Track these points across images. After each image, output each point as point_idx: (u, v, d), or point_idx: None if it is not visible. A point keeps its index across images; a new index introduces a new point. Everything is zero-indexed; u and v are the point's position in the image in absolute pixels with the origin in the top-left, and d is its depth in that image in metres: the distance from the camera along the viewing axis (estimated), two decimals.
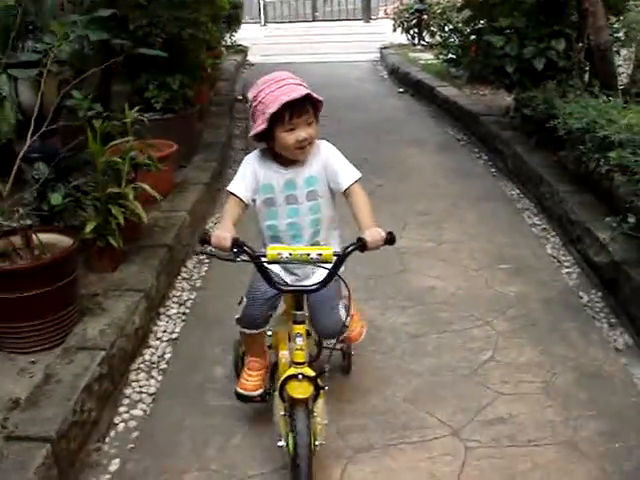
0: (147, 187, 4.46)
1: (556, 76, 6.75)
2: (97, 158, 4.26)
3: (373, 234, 2.63)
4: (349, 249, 2.60)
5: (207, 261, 5.10)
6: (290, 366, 2.79)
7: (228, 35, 13.06)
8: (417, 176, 7.01)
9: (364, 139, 8.23)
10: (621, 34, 7.36)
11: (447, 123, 9.21)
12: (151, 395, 3.61)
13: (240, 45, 14.50)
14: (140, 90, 6.57)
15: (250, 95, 2.78)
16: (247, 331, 3.07)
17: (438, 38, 12.79)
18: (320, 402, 2.83)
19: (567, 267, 4.89)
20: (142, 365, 3.85)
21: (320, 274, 2.75)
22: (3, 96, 3.88)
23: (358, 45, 16.70)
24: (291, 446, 2.72)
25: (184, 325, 4.28)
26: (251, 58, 14.86)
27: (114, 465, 3.11)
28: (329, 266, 2.62)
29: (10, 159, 3.82)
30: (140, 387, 3.66)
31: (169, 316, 4.36)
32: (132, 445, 3.25)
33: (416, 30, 14.79)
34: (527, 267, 4.88)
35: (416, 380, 3.66)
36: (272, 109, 2.63)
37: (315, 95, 2.72)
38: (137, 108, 4.92)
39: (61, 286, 3.55)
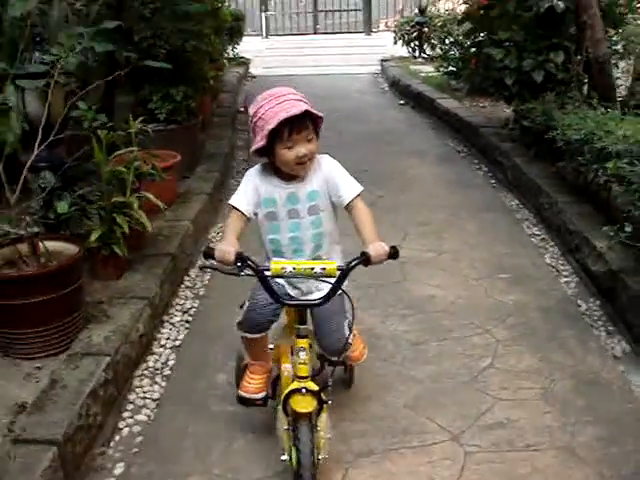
0: (151, 196, 4.52)
1: (555, 88, 6.83)
2: (102, 168, 4.33)
3: (377, 248, 2.66)
4: (353, 263, 2.63)
5: (210, 270, 5.15)
6: (293, 380, 2.79)
7: (230, 47, 13.16)
8: (418, 187, 7.07)
9: (365, 150, 8.30)
10: (619, 47, 7.44)
11: (447, 135, 9.28)
12: (155, 401, 3.66)
13: (242, 57, 14.59)
14: (144, 101, 6.65)
15: (250, 111, 2.80)
16: (248, 335, 3.07)
17: (439, 51, 12.88)
18: (324, 416, 2.86)
19: (565, 276, 4.94)
20: (146, 371, 3.90)
21: (325, 290, 2.75)
22: (9, 107, 3.94)
23: (359, 57, 16.82)
24: (294, 460, 2.73)
25: (187, 333, 4.33)
26: (253, 70, 14.96)
27: (119, 469, 3.16)
28: (333, 280, 2.64)
29: (15, 168, 3.88)
30: (144, 393, 3.71)
31: (172, 324, 4.41)
32: (136, 449, 3.29)
33: (417, 43, 14.89)
34: (526, 276, 4.93)
35: (416, 387, 3.70)
36: (271, 125, 2.65)
37: (315, 111, 2.72)
38: (141, 119, 5.00)
39: (67, 293, 3.60)
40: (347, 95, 12.30)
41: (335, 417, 3.13)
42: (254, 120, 2.76)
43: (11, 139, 3.83)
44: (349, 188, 2.87)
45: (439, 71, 11.34)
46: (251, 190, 2.89)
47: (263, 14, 22.57)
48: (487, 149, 7.83)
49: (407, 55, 15.19)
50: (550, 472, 3.07)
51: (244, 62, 14.76)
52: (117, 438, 3.38)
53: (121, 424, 3.47)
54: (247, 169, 3.02)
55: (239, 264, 2.62)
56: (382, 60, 15.20)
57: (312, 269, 2.60)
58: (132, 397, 3.67)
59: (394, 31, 15.92)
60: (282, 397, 2.80)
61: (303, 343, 2.77)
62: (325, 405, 2.84)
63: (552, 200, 5.68)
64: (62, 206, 4.06)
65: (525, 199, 6.43)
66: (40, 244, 3.70)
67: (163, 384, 3.80)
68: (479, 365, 3.87)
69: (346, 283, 2.73)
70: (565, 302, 4.57)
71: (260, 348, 3.19)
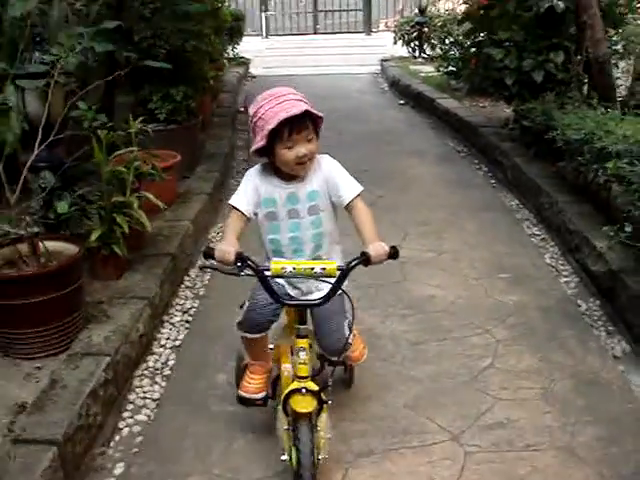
0: (151, 196, 4.53)
1: (555, 88, 6.84)
2: (102, 168, 4.33)
3: (377, 248, 2.66)
4: (353, 263, 2.63)
5: (210, 270, 5.15)
6: (293, 380, 2.79)
7: (230, 47, 13.16)
8: (417, 187, 7.08)
9: (365, 150, 8.30)
10: (619, 47, 7.44)
11: (447, 135, 9.29)
12: (155, 401, 3.66)
13: (242, 57, 14.60)
14: (144, 101, 6.65)
15: (250, 111, 2.79)
16: (248, 335, 3.07)
17: (439, 51, 12.89)
18: (324, 416, 2.85)
19: (565, 276, 4.94)
20: (146, 371, 3.90)
21: (325, 290, 2.74)
22: (9, 107, 3.94)
23: (359, 57, 16.83)
24: (294, 460, 2.73)
25: (187, 333, 4.33)
26: (253, 70, 14.97)
27: (119, 469, 3.16)
28: (333, 280, 2.64)
29: (15, 168, 3.88)
30: (144, 393, 3.71)
31: (172, 324, 4.41)
32: (136, 449, 3.30)
33: (417, 43, 14.90)
34: (526, 276, 4.93)
35: (416, 386, 3.71)
36: (271, 125, 2.65)
37: (314, 111, 2.72)
38: (141, 119, 5.00)
39: (67, 293, 3.61)
40: (347, 95, 12.30)
41: (335, 417, 3.13)
42: (254, 120, 2.76)
43: (11, 139, 3.83)
44: (349, 188, 2.86)
45: (439, 71, 11.35)
46: (251, 190, 2.89)
47: (263, 14, 22.59)
48: (487, 149, 7.83)
49: (407, 55, 15.20)
50: (550, 472, 3.07)
51: (244, 62, 14.76)
52: (117, 438, 3.38)
53: (121, 424, 3.47)
54: (247, 169, 3.02)
55: (239, 264, 2.62)
56: (382, 60, 15.21)
57: (312, 269, 2.60)
58: (132, 397, 3.67)
59: (394, 31, 15.94)
60: (282, 397, 2.79)
61: (303, 343, 2.76)
62: (325, 405, 2.83)
63: (552, 200, 5.68)
64: (62, 206, 4.06)
65: (525, 199, 6.44)
66: (40, 244, 3.70)
67: (163, 384, 3.80)
68: (479, 365, 3.87)
69: (346, 283, 2.72)
70: (565, 302, 4.57)
71: (260, 348, 3.19)
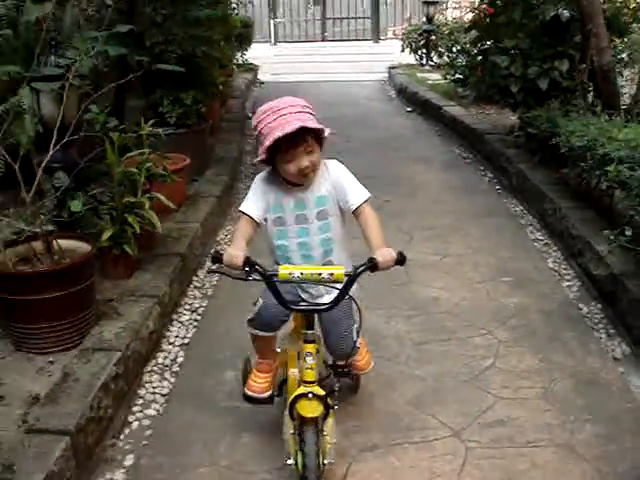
0: (162, 197, 4.62)
1: (560, 96, 6.92)
2: (114, 169, 4.44)
3: (384, 254, 2.68)
4: (360, 269, 2.65)
5: (217, 266, 5.23)
6: (300, 385, 2.81)
7: (239, 54, 13.26)
8: (424, 192, 7.16)
9: (372, 156, 8.38)
10: (624, 55, 7.51)
11: (453, 141, 9.37)
12: (164, 396, 3.75)
13: (251, 64, 14.68)
14: (154, 105, 6.75)
15: (253, 122, 2.83)
16: (260, 333, 3.09)
17: (446, 59, 12.94)
18: (330, 421, 2.88)
19: (568, 280, 5.02)
20: (155, 367, 3.99)
21: (334, 293, 2.77)
22: (23, 109, 4.03)
23: (367, 65, 16.91)
24: (300, 465, 2.76)
25: (196, 331, 4.42)
26: (261, 77, 15.05)
27: (129, 460, 3.25)
28: (340, 286, 2.67)
29: (28, 169, 3.97)
30: (153, 388, 3.80)
31: (181, 322, 4.50)
32: (146, 442, 3.39)
33: (424, 51, 14.96)
34: (529, 280, 5.01)
35: (419, 385, 3.79)
36: (268, 142, 2.69)
37: (312, 125, 2.72)
38: (152, 122, 5.10)
39: (79, 289, 3.70)
40: (355, 102, 12.40)
41: (339, 413, 3.18)
42: (256, 132, 2.81)
43: (25, 141, 3.91)
44: (357, 194, 2.89)
45: (446, 79, 11.41)
46: (260, 196, 2.92)
47: (272, 21, 22.71)
48: (492, 155, 7.91)
49: (414, 63, 15.26)
50: (549, 468, 3.15)
51: (253, 68, 14.85)
52: (127, 431, 3.47)
53: (131, 418, 3.56)
54: (255, 173, 3.10)
55: (247, 269, 2.66)
56: (390, 67, 15.28)
57: (319, 274, 2.62)
58: (142, 392, 3.77)
59: (402, 39, 16.00)
60: (289, 402, 2.81)
61: (310, 348, 2.78)
62: (331, 410, 2.86)
63: (556, 206, 5.76)
64: (75, 205, 4.16)
65: (529, 205, 6.51)
66: (54, 242, 3.80)
67: (172, 380, 3.89)
68: (481, 365, 3.95)
69: (356, 287, 2.77)
70: (567, 305, 4.65)
71: (268, 347, 3.22)
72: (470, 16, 9.37)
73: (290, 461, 2.85)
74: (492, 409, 3.55)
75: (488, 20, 7.94)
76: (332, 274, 2.62)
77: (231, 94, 11.05)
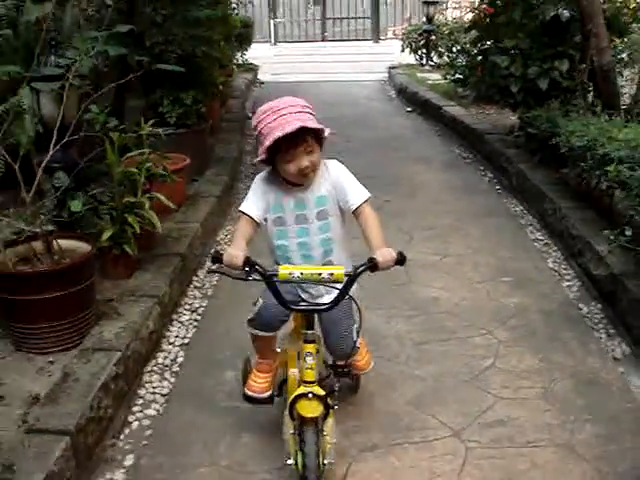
0: (162, 197, 4.63)
1: (560, 96, 6.92)
2: (114, 169, 4.44)
3: (384, 254, 2.68)
4: (360, 269, 2.65)
5: (217, 266, 5.24)
6: (300, 385, 2.81)
7: (239, 54, 13.26)
8: (424, 193, 7.16)
9: (372, 156, 8.38)
10: (624, 55, 7.52)
11: (453, 141, 9.37)
12: (164, 396, 3.75)
13: (251, 64, 14.69)
14: (154, 105, 6.75)
15: (253, 122, 2.83)
16: (260, 333, 3.09)
17: (446, 59, 12.95)
18: (330, 421, 2.88)
19: (568, 280, 5.02)
20: (155, 367, 3.99)
21: (334, 293, 2.77)
22: (22, 109, 4.03)
23: (367, 65, 16.92)
24: (300, 465, 2.75)
25: (196, 331, 4.43)
26: (261, 77, 15.05)
27: (129, 460, 3.25)
28: (341, 286, 2.66)
29: (28, 169, 3.97)
30: (153, 388, 3.81)
31: (181, 322, 4.51)
32: (146, 442, 3.39)
33: (424, 51, 14.97)
34: (529, 280, 5.01)
35: (419, 385, 3.79)
36: (267, 142, 2.69)
37: (312, 125, 2.72)
38: (152, 122, 5.10)
39: (79, 289, 3.70)
40: (355, 102, 12.40)
41: (339, 413, 3.17)
42: (256, 132, 2.81)
43: (24, 141, 3.92)
44: (357, 194, 2.89)
45: (446, 79, 11.41)
46: (260, 196, 2.92)
47: (272, 21, 22.72)
48: (492, 155, 7.91)
49: (414, 63, 15.27)
50: (549, 468, 3.15)
51: (253, 68, 14.86)
52: (127, 431, 3.47)
53: (131, 418, 3.56)
54: (255, 173, 3.10)
55: (247, 269, 2.65)
56: (390, 67, 15.29)
57: (319, 274, 2.62)
58: (142, 392, 3.77)
59: (402, 39, 16.01)
60: (289, 402, 2.81)
61: (310, 348, 2.78)
62: (331, 410, 2.86)
63: (556, 206, 5.76)
64: (75, 205, 4.16)
65: (529, 205, 6.51)
66: (54, 242, 3.80)
67: (172, 380, 3.89)
68: (481, 365, 3.96)
69: (356, 287, 2.77)
70: (567, 305, 4.65)
71: (268, 347, 3.22)
72: (470, 16, 9.38)
73: (290, 461, 2.85)
74: (492, 409, 3.56)
75: (488, 20, 7.94)
76: (332, 274, 2.62)
77: (231, 94, 11.05)
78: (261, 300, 3.03)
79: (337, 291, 2.71)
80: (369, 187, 2.94)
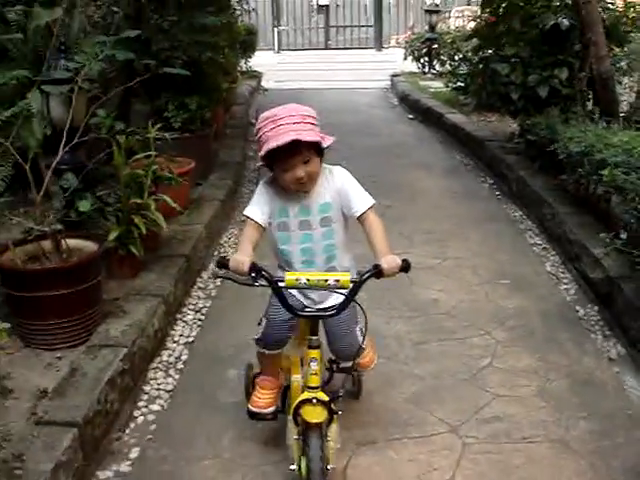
0: (168, 198, 4.72)
1: (559, 103, 7.01)
2: (121, 171, 4.53)
3: (389, 261, 2.68)
4: (365, 276, 2.66)
5: (223, 271, 5.32)
6: (304, 390, 2.83)
7: (243, 61, 13.37)
8: (425, 198, 7.25)
9: (375, 162, 8.45)
10: (623, 64, 7.61)
11: (455, 148, 9.46)
12: (168, 392, 3.83)
13: (254, 71, 14.80)
14: (159, 110, 6.85)
15: (256, 127, 2.82)
16: (267, 352, 3.11)
17: (448, 67, 13.07)
18: (334, 427, 2.88)
19: (565, 283, 5.10)
20: (160, 365, 4.08)
21: (337, 297, 2.81)
22: (31, 113, 4.12)
23: (369, 73, 17.04)
24: (304, 470, 2.75)
25: (200, 330, 4.51)
26: (265, 84, 15.17)
27: (134, 453, 3.33)
28: (346, 292, 2.68)
29: (36, 171, 4.05)
30: (158, 384, 3.89)
31: (185, 321, 4.59)
32: (151, 436, 3.47)
33: (426, 59, 15.09)
34: (527, 283, 5.10)
35: (418, 383, 3.87)
36: (262, 152, 2.71)
37: (307, 138, 2.68)
38: (158, 126, 5.20)
39: (87, 287, 3.81)
40: (357, 109, 12.51)
41: (340, 407, 3.24)
42: (257, 139, 2.82)
43: (33, 144, 4.01)
44: (361, 200, 2.88)
45: (448, 87, 11.53)
46: (265, 201, 2.91)
47: (276, 29, 22.89)
48: (493, 162, 8.00)
49: (417, 71, 15.39)
50: (544, 463, 3.23)
51: (256, 75, 14.97)
52: (132, 425, 3.55)
53: (136, 413, 3.64)
54: (258, 178, 3.16)
55: (253, 274, 2.66)
56: (392, 75, 15.41)
57: (326, 281, 2.63)
58: (147, 388, 3.85)
59: (404, 47, 16.14)
60: (292, 407, 2.83)
61: (315, 354, 2.79)
62: (335, 416, 2.86)
63: (554, 211, 5.84)
64: (84, 205, 4.26)
65: (528, 210, 6.60)
66: (62, 241, 3.89)
67: (177, 377, 3.98)
68: (479, 364, 4.04)
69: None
70: (564, 307, 4.73)
71: (275, 364, 3.23)
72: (472, 25, 9.49)
73: (294, 466, 2.87)
74: (489, 406, 3.64)
75: (489, 28, 8.03)
76: (338, 280, 2.63)
77: (235, 100, 11.16)
78: (265, 320, 3.07)
79: (339, 295, 2.75)
80: (371, 193, 2.96)
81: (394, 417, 3.57)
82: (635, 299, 4.14)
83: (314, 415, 2.75)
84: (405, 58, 15.69)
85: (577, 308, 4.70)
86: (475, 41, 8.70)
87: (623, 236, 4.31)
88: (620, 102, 7.17)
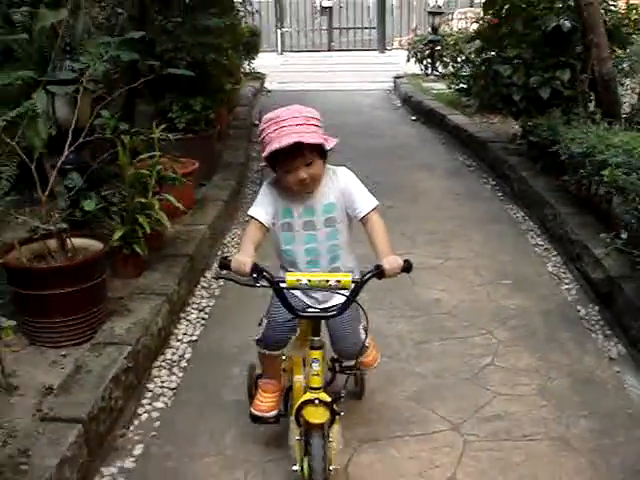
0: (172, 198, 4.76)
1: (561, 104, 7.04)
2: (126, 171, 4.57)
3: (391, 262, 2.68)
4: (367, 276, 2.66)
5: (225, 272, 5.35)
6: (306, 391, 2.84)
7: (246, 62, 13.40)
8: (427, 199, 7.28)
9: (378, 163, 8.48)
10: (625, 65, 7.64)
11: (457, 150, 9.49)
12: (172, 390, 3.87)
13: (258, 72, 14.81)
14: (163, 111, 6.89)
15: (259, 128, 2.82)
16: (267, 352, 3.12)
17: (450, 69, 13.10)
18: (336, 427, 2.88)
19: (567, 283, 5.13)
20: (164, 363, 4.11)
21: (341, 296, 2.81)
22: (36, 112, 4.15)
23: (373, 74, 17.07)
24: (306, 471, 2.75)
25: (203, 329, 4.55)
26: (268, 85, 15.19)
27: (138, 450, 3.37)
28: (347, 292, 2.68)
29: (41, 171, 4.08)
30: (162, 382, 3.92)
31: (189, 320, 4.63)
32: (154, 433, 3.50)
33: (429, 60, 15.11)
34: (528, 283, 5.12)
35: (420, 381, 3.90)
36: (265, 153, 2.72)
37: (310, 140, 2.68)
38: (162, 127, 5.24)
39: (91, 285, 3.85)
40: (360, 110, 12.54)
41: (342, 407, 3.27)
42: (260, 140, 2.82)
43: (38, 144, 4.05)
44: (365, 202, 2.89)
45: (450, 88, 11.55)
46: (269, 201, 2.91)
47: (279, 31, 22.93)
48: (495, 163, 8.03)
49: (419, 72, 15.41)
50: (545, 460, 3.26)
51: (259, 77, 14.99)
52: (136, 422, 3.59)
53: (140, 410, 3.68)
54: (261, 179, 3.17)
55: (255, 275, 2.66)
56: (395, 77, 15.42)
57: (327, 282, 2.63)
58: (151, 386, 3.88)
59: (407, 49, 16.16)
60: (295, 408, 2.83)
61: (317, 355, 2.79)
62: (337, 416, 2.85)
63: (556, 211, 5.87)
64: (89, 204, 4.29)
65: (530, 211, 6.63)
66: (68, 240, 3.93)
67: (180, 375, 4.01)
68: (480, 363, 4.07)
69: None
70: (565, 307, 4.76)
71: (276, 366, 3.24)
72: (475, 26, 9.52)
73: (296, 467, 2.88)
74: (490, 404, 3.67)
75: (491, 30, 8.07)
76: (339, 281, 2.63)
77: (238, 102, 11.19)
78: (265, 320, 3.09)
79: (342, 295, 2.76)
80: (374, 193, 2.97)
81: (396, 415, 3.60)
82: (635, 299, 4.17)
83: (316, 416, 2.76)
84: (408, 60, 15.71)
85: (578, 308, 4.73)
86: (477, 43, 8.73)
87: (624, 236, 4.34)
88: (622, 104, 7.19)
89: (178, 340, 4.38)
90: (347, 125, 10.25)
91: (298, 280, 2.66)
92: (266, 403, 3.26)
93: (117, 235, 4.38)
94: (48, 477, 2.75)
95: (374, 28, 23.26)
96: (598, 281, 4.71)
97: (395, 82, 15.08)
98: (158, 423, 3.58)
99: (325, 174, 2.90)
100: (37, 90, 4.26)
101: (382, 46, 22.64)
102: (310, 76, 16.95)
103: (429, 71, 15.18)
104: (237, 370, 3.96)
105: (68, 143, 4.04)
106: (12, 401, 3.32)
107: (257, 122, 10.38)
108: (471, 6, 20.06)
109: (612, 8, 7.69)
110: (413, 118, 11.81)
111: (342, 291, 2.71)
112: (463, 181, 8.02)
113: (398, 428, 3.48)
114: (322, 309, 2.98)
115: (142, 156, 4.81)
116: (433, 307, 4.77)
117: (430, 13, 15.62)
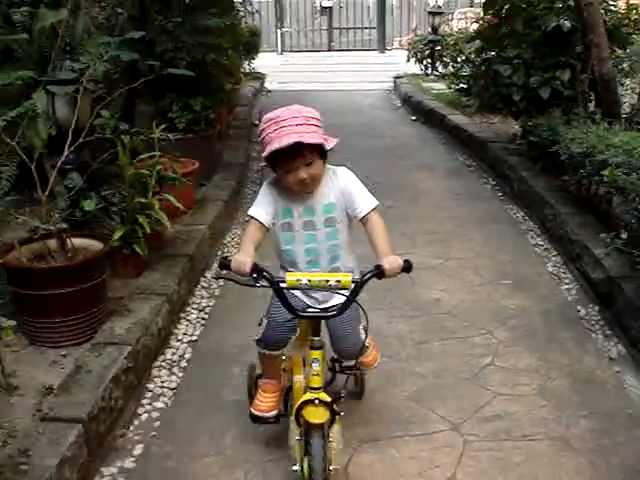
0: (172, 198, 4.76)
1: (561, 104, 7.04)
2: (126, 171, 4.57)
3: (391, 262, 2.68)
4: (367, 276, 2.66)
5: (225, 272, 5.35)
6: (306, 391, 2.84)
7: (246, 62, 13.40)
8: (427, 199, 7.28)
9: (378, 163, 8.48)
10: (625, 65, 7.64)
11: (457, 150, 9.49)
12: (172, 390, 3.87)
13: (258, 72, 14.81)
14: (163, 111, 6.89)
15: (259, 128, 2.82)
16: (267, 352, 3.12)
17: (450, 69, 13.10)
18: (336, 427, 2.87)
19: (567, 283, 5.13)
20: (164, 363, 4.11)
21: (340, 297, 2.82)
22: (36, 112, 4.15)
23: (373, 74, 17.08)
24: (306, 471, 2.75)
25: (203, 329, 4.55)
26: (268, 85, 15.19)
27: (138, 449, 3.37)
28: (347, 292, 2.68)
29: (41, 171, 4.08)
30: (162, 382, 3.92)
31: (189, 320, 4.63)
32: (154, 433, 3.50)
33: (429, 60, 15.11)
34: (528, 283, 5.12)
35: (420, 381, 3.90)
36: (265, 153, 2.71)
37: (310, 140, 2.68)
38: (162, 127, 5.24)
39: (91, 285, 3.85)
40: (359, 110, 12.54)
41: (341, 407, 3.27)
42: (260, 140, 2.81)
43: (38, 144, 4.05)
44: (365, 202, 2.89)
45: (450, 88, 11.55)
46: (269, 201, 2.91)
47: (279, 31, 22.93)
48: (495, 163, 8.03)
49: (419, 73, 15.40)
50: (545, 460, 3.26)
51: (259, 77, 14.99)
52: (136, 422, 3.58)
53: (140, 410, 3.68)
54: (261, 179, 3.17)
55: (254, 275, 2.65)
56: (395, 77, 15.42)
57: (327, 282, 2.63)
58: (151, 386, 3.88)
59: (407, 49, 16.16)
60: (295, 408, 2.83)
61: (317, 355, 2.79)
62: (337, 416, 2.84)
63: (556, 211, 5.87)
64: (89, 204, 4.29)
65: (530, 211, 6.63)
66: (68, 240, 3.93)
67: (180, 375, 4.01)
68: (480, 363, 4.07)
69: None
70: (565, 307, 4.76)
71: (275, 366, 3.24)
72: (475, 26, 9.52)
73: (296, 467, 2.87)
74: (490, 404, 3.67)
75: (491, 30, 8.07)
76: (339, 281, 2.63)
77: (238, 102, 11.19)
78: (265, 320, 3.09)
79: (342, 295, 2.76)
80: (374, 193, 2.97)
81: (396, 415, 3.60)
82: (635, 299, 4.17)
83: (316, 416, 2.76)
84: (408, 60, 15.71)
85: (578, 308, 4.73)
86: (477, 43, 8.73)
87: (624, 236, 4.34)
88: (622, 104, 7.19)
89: (178, 340, 4.38)
90: (347, 125, 10.25)
91: (298, 280, 2.66)
92: (266, 403, 3.26)
93: (117, 235, 4.38)
94: (48, 477, 2.75)
95: (374, 28, 23.27)
96: (598, 281, 4.71)
97: (395, 82, 15.08)
98: (158, 423, 3.58)
99: (325, 174, 2.90)
100: (37, 90, 4.26)
101: (382, 46, 22.65)
102: (310, 76, 16.96)
103: (429, 71, 15.18)
104: (237, 370, 3.96)
105: (68, 143, 4.04)
106: (12, 401, 3.32)
107: (257, 122, 10.37)
108: (471, 6, 20.07)
109: (612, 8, 7.69)
110: (413, 118, 11.81)
111: (342, 291, 2.71)
112: (463, 181, 8.02)
113: (398, 428, 3.48)
114: (322, 309, 2.98)
115: (142, 156, 4.81)
116: (433, 307, 4.77)
117: (430, 13, 15.62)
